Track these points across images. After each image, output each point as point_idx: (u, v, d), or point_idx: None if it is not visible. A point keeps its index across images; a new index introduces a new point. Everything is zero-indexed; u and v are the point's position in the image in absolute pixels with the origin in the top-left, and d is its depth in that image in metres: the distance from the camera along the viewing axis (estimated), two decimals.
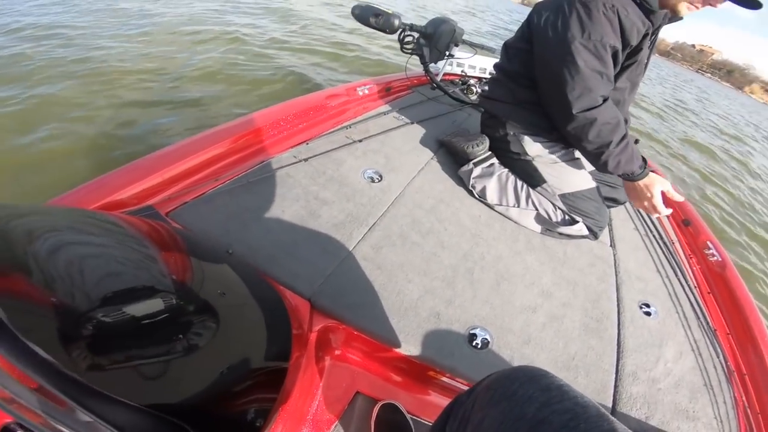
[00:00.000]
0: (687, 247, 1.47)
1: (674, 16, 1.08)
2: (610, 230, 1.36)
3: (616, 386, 0.89)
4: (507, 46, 1.24)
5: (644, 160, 1.08)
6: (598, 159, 1.06)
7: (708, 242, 1.45)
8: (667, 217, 1.50)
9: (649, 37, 1.07)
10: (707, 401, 0.96)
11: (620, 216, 1.46)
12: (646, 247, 1.36)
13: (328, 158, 1.15)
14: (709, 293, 1.29)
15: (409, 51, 1.82)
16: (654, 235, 1.41)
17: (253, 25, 4.55)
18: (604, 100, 1.02)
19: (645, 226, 1.46)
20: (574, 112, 1.01)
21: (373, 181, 1.13)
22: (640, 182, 1.06)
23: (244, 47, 3.73)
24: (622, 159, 1.04)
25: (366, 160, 1.20)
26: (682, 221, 1.58)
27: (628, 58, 1.08)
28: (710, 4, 1.02)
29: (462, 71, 2.23)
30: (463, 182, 1.26)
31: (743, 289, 1.28)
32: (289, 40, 4.31)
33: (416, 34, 1.81)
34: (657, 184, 1.06)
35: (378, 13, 1.60)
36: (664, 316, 1.11)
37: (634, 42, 1.03)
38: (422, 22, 1.82)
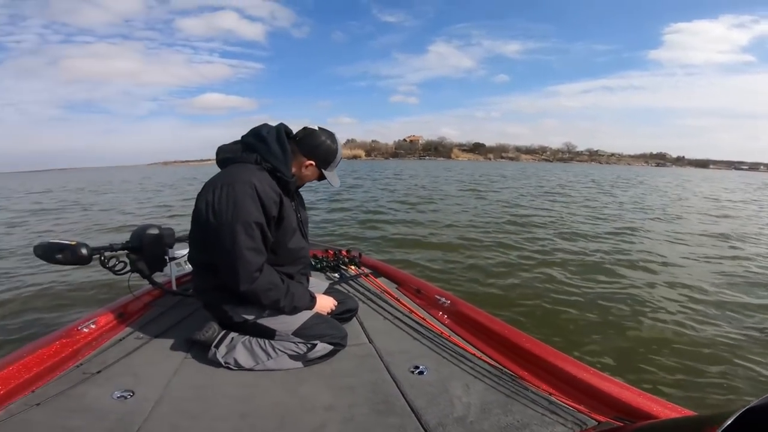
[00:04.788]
0: (426, 307, 1.78)
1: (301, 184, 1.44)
2: (364, 329, 1.57)
3: None
4: (190, 238, 1.37)
5: (312, 295, 1.42)
6: (278, 309, 1.31)
7: (436, 296, 1.80)
8: (403, 292, 1.96)
9: (290, 201, 1.35)
10: (520, 405, 1.07)
11: (368, 315, 1.71)
12: (396, 327, 1.60)
13: (66, 396, 1.11)
14: (457, 327, 1.58)
15: (124, 272, 1.71)
16: (398, 315, 1.69)
17: None
18: (261, 271, 1.24)
19: (389, 313, 1.72)
20: (241, 289, 1.22)
21: (125, 399, 1.10)
22: (316, 308, 1.41)
23: None
24: (296, 304, 1.33)
25: (111, 385, 1.17)
26: (415, 291, 1.94)
27: (280, 224, 1.29)
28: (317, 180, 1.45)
29: None
30: (219, 363, 1.30)
31: (478, 311, 1.61)
32: None
33: (122, 253, 1.71)
34: (324, 306, 1.45)
35: (62, 248, 1.49)
36: (435, 367, 1.27)
37: (275, 212, 1.26)
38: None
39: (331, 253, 2.41)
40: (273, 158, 1.28)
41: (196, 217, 1.26)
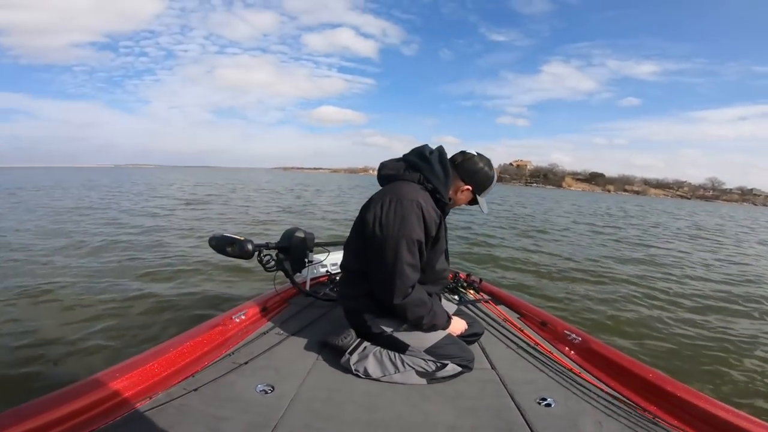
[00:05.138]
0: (552, 341, 1.71)
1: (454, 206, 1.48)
2: (486, 355, 1.55)
3: None
4: (347, 245, 1.46)
5: (448, 315, 1.45)
6: (418, 326, 1.35)
7: (565, 331, 1.72)
8: (526, 323, 1.91)
9: (442, 223, 1.36)
10: None
11: (490, 341, 1.68)
12: (520, 356, 1.55)
13: (218, 384, 1.20)
14: (588, 364, 1.50)
15: (273, 269, 1.88)
16: (522, 345, 1.64)
17: None
18: (413, 287, 1.28)
19: (512, 341, 1.68)
20: (394, 302, 1.27)
21: (266, 393, 1.18)
22: (449, 329, 1.44)
23: None
24: (435, 322, 1.36)
25: (256, 377, 1.26)
26: (540, 324, 1.87)
27: (434, 244, 1.34)
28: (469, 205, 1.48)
29: (327, 271, 2.36)
30: (349, 369, 1.36)
31: (612, 350, 1.53)
32: None
33: (273, 252, 1.88)
34: (457, 327, 1.47)
35: (232, 242, 1.66)
36: (563, 401, 1.23)
37: (434, 233, 1.30)
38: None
39: (450, 275, 2.41)
40: (435, 179, 1.32)
41: (361, 227, 1.34)
